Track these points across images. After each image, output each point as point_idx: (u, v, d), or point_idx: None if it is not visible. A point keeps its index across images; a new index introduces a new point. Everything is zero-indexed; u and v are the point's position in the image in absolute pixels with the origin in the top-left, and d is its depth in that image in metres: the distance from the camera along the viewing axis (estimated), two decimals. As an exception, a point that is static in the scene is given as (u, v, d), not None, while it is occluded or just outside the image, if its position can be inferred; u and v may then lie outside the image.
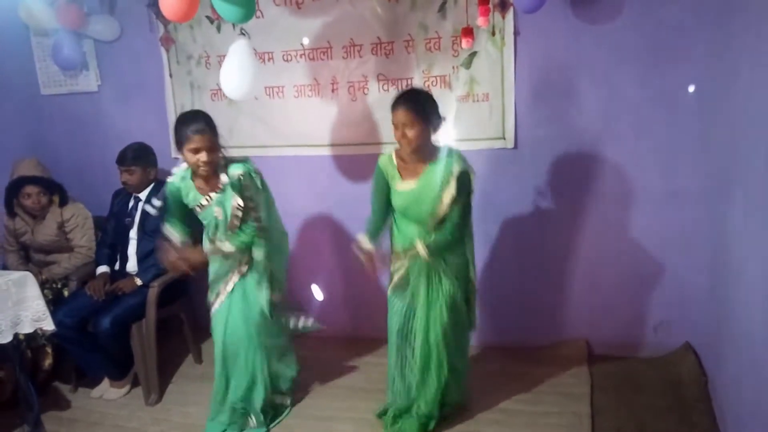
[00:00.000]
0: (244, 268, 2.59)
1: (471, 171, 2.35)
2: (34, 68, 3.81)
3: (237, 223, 2.54)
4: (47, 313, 2.62)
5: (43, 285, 3.03)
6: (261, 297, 2.61)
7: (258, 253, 2.59)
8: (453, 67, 3.04)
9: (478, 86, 3.02)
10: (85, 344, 2.98)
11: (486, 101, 3.03)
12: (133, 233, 3.17)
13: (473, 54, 2.98)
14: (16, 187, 3.19)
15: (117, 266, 3.20)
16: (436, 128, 2.35)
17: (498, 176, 3.11)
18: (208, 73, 3.42)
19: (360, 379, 3.09)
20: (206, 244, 2.61)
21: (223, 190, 2.52)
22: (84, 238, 3.30)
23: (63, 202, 3.28)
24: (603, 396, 2.76)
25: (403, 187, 2.39)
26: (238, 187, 2.50)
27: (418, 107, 2.27)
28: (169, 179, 2.62)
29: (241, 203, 2.51)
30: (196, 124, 2.43)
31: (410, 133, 2.26)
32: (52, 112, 3.87)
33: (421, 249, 2.34)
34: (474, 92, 3.03)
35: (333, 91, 3.26)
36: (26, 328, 2.57)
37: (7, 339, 2.49)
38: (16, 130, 3.79)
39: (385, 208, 2.50)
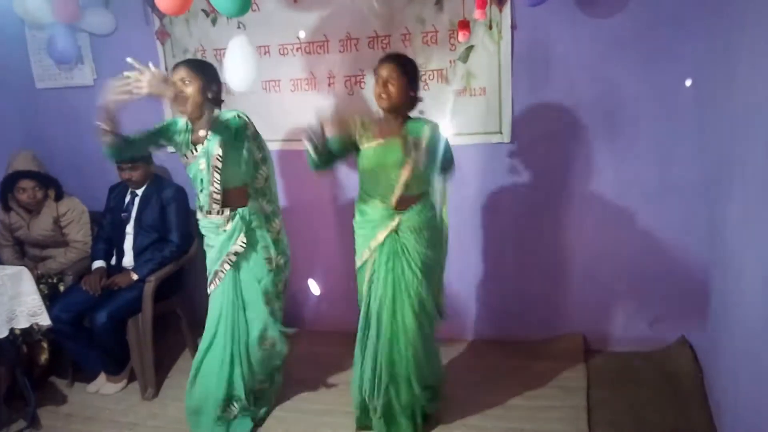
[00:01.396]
0: (238, 249, 2.51)
1: (440, 130, 2.27)
2: (29, 62, 3.79)
3: (218, 176, 2.44)
4: (43, 308, 2.62)
5: (38, 280, 3.02)
6: (260, 277, 2.58)
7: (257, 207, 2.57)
8: (450, 61, 3.02)
9: (475, 80, 3.01)
10: (81, 339, 2.98)
11: (483, 95, 3.02)
12: (129, 228, 3.17)
13: (470, 48, 2.97)
14: (11, 181, 3.18)
15: (113, 261, 3.20)
16: (415, 98, 2.35)
17: (495, 170, 3.11)
18: (204, 67, 3.40)
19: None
20: (198, 203, 2.59)
21: (209, 140, 2.45)
22: (80, 232, 3.29)
23: (58, 197, 3.27)
24: (599, 390, 2.77)
25: (370, 144, 2.34)
26: (228, 134, 2.36)
27: (404, 67, 2.29)
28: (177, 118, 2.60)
29: (221, 154, 2.42)
30: (186, 60, 2.48)
31: (392, 87, 2.25)
32: (47, 106, 3.85)
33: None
34: (471, 86, 3.02)
35: (329, 85, 3.25)
36: (22, 323, 2.57)
37: (2, 334, 2.49)
38: (10, 125, 3.77)
39: (339, 146, 2.33)
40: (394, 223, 2.33)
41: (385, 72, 2.27)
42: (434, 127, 2.27)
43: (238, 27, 2.80)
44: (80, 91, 3.73)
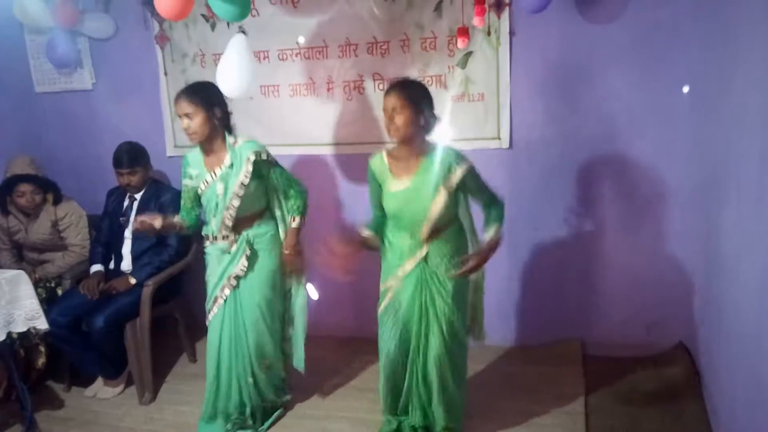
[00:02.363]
0: (239, 272, 2.54)
1: (474, 167, 2.22)
2: (29, 66, 3.80)
3: (237, 203, 2.45)
4: (41, 312, 2.61)
5: (36, 284, 3.02)
6: (259, 300, 2.59)
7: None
8: (448, 67, 3.04)
9: (474, 86, 3.02)
10: (78, 343, 2.97)
11: (481, 101, 3.03)
12: (127, 232, 3.16)
13: (469, 54, 2.98)
14: (9, 185, 3.18)
15: (111, 265, 3.19)
16: (428, 122, 2.21)
17: (493, 177, 3.08)
18: (203, 71, 3.40)
19: (356, 379, 3.09)
20: (206, 230, 2.59)
21: (229, 167, 2.46)
22: (78, 236, 3.29)
23: (57, 201, 3.26)
24: (597, 395, 2.77)
25: (396, 187, 2.25)
26: (252, 165, 2.43)
27: (409, 94, 2.15)
28: (188, 153, 2.62)
29: (245, 181, 2.44)
30: (183, 91, 2.43)
31: (398, 119, 2.13)
32: (46, 110, 3.86)
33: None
34: (469, 92, 3.03)
35: (328, 90, 3.26)
36: (19, 327, 2.57)
37: (0, 338, 2.48)
38: (9, 129, 3.77)
39: (382, 209, 2.36)
40: (422, 252, 2.26)
41: (389, 103, 2.15)
42: (471, 171, 2.20)
43: (241, 31, 2.78)
44: (79, 95, 3.74)
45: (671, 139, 2.86)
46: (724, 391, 2.31)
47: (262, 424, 2.72)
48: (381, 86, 3.15)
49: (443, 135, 2.99)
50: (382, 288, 2.39)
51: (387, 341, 2.39)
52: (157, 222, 2.55)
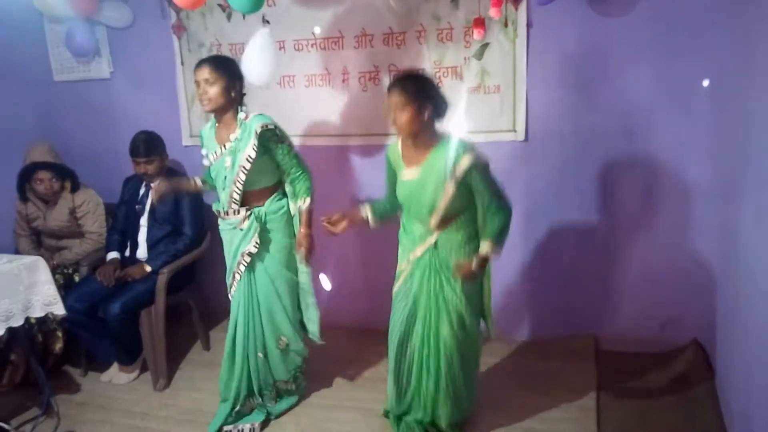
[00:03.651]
0: (252, 249, 2.52)
1: (483, 160, 2.17)
2: (47, 55, 3.83)
3: (243, 176, 2.46)
4: (58, 298, 2.65)
5: (54, 270, 3.07)
6: (274, 277, 2.60)
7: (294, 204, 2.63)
8: (465, 58, 3.02)
9: (490, 78, 3.00)
10: (94, 329, 3.02)
11: (497, 93, 3.01)
12: (143, 220, 3.20)
13: (485, 45, 2.96)
14: (28, 172, 3.22)
15: (127, 252, 3.23)
16: (437, 113, 2.18)
17: (508, 169, 3.08)
18: (220, 61, 3.42)
19: (367, 370, 3.10)
20: (216, 206, 2.61)
21: (239, 140, 2.46)
22: (95, 224, 3.33)
23: (75, 188, 3.31)
24: (609, 391, 2.76)
25: (406, 176, 2.26)
26: (259, 139, 2.43)
27: (412, 89, 2.11)
28: (202, 128, 2.65)
29: (252, 154, 2.43)
30: (200, 60, 2.45)
31: (401, 117, 2.11)
32: (64, 98, 3.89)
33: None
34: (485, 84, 3.01)
35: (344, 81, 3.25)
36: (37, 312, 2.60)
37: (18, 323, 2.52)
38: (29, 116, 3.82)
39: (394, 196, 2.38)
40: (432, 239, 2.27)
41: (392, 101, 2.13)
42: (477, 164, 2.13)
43: (265, 22, 2.80)
44: (97, 83, 3.77)
45: (690, 134, 2.82)
46: (738, 388, 2.28)
47: (274, 403, 2.74)
48: (396, 77, 3.13)
49: (459, 127, 3.00)
50: (397, 270, 2.43)
51: (396, 322, 2.42)
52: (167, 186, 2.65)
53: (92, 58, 3.72)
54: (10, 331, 2.54)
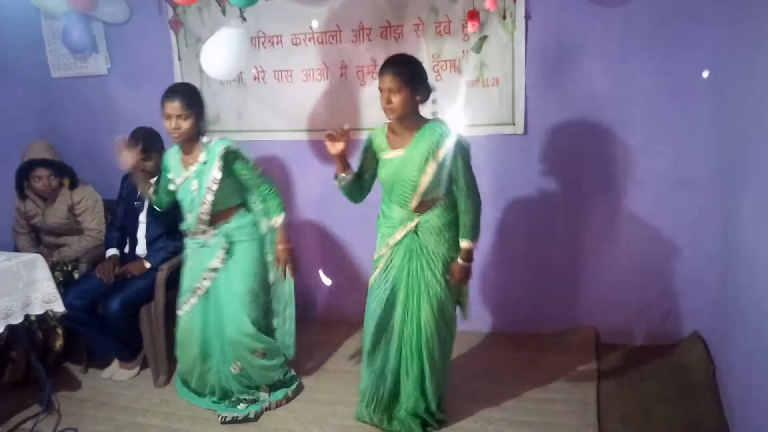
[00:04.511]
0: (218, 265, 2.63)
1: (466, 144, 2.26)
2: (45, 51, 3.82)
3: (210, 197, 2.56)
4: (57, 295, 2.65)
5: (53, 267, 3.07)
6: (239, 289, 2.66)
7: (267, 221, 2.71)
8: (463, 51, 3.00)
9: (488, 71, 2.98)
10: (95, 326, 3.02)
11: (496, 86, 2.99)
12: (142, 217, 3.19)
13: (483, 38, 2.94)
14: (26, 169, 3.21)
15: (126, 249, 3.22)
16: (424, 97, 2.26)
17: (507, 162, 3.09)
18: (217, 56, 3.40)
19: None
20: (184, 226, 2.70)
21: (204, 163, 2.57)
22: (94, 221, 3.32)
23: (73, 185, 3.30)
24: (610, 384, 2.76)
25: (389, 156, 2.31)
26: (223, 160, 2.54)
27: (406, 72, 2.18)
28: (167, 151, 2.74)
29: (218, 176, 2.54)
30: (171, 92, 2.54)
31: (395, 99, 2.17)
32: (62, 95, 3.89)
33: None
34: (484, 77, 3.00)
35: (341, 75, 3.24)
36: (37, 310, 2.61)
37: (18, 320, 2.52)
38: (26, 113, 3.81)
39: (368, 177, 2.45)
40: (412, 224, 2.32)
41: (386, 84, 2.18)
42: (460, 146, 2.22)
43: (242, 18, 2.81)
44: (94, 80, 3.76)
45: (690, 126, 2.80)
46: (739, 380, 2.28)
47: (267, 395, 2.80)
48: (394, 71, 3.12)
49: (457, 121, 2.99)
50: (375, 257, 2.46)
51: (373, 310, 2.45)
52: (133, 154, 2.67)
53: (89, 55, 3.71)
54: (10, 328, 2.54)
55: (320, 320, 3.63)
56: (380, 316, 2.43)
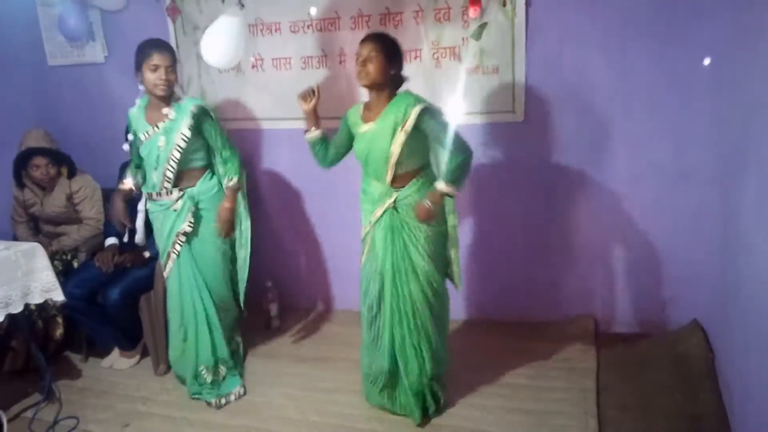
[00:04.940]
0: (187, 229, 2.66)
1: (435, 107, 2.32)
2: (41, 39, 3.79)
3: (177, 154, 2.59)
4: (57, 284, 2.65)
5: (53, 256, 3.06)
6: (211, 251, 2.77)
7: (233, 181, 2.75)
8: (463, 39, 2.98)
9: (488, 58, 2.96)
10: (94, 315, 3.02)
11: (496, 74, 2.97)
12: (141, 206, 3.17)
13: (483, 25, 2.92)
14: (24, 158, 3.20)
15: (125, 238, 3.21)
16: (397, 72, 2.35)
17: (507, 150, 3.08)
18: (215, 44, 3.38)
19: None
20: (147, 188, 2.73)
21: (172, 120, 2.59)
22: (93, 209, 3.32)
23: (71, 174, 3.28)
24: (609, 372, 2.76)
25: (363, 130, 2.39)
26: (192, 118, 2.59)
27: (384, 44, 2.30)
28: (130, 109, 2.73)
29: (187, 135, 2.58)
30: (157, 44, 2.59)
31: (371, 65, 2.27)
32: (59, 83, 3.86)
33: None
34: (484, 64, 2.97)
35: (340, 62, 3.21)
36: (36, 299, 2.61)
37: (17, 309, 2.52)
38: (24, 102, 3.79)
39: (338, 146, 2.58)
40: (391, 200, 2.36)
41: (364, 51, 2.29)
42: (427, 110, 2.27)
43: (240, 4, 2.79)
44: (92, 68, 3.73)
45: (691, 115, 2.78)
46: (738, 369, 2.28)
47: (235, 366, 2.89)
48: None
49: (457, 109, 2.98)
50: (362, 236, 2.51)
51: (365, 291, 2.51)
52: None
53: (86, 42, 3.68)
54: (10, 317, 2.55)
55: (318, 308, 3.63)
56: (373, 295, 2.46)
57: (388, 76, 2.32)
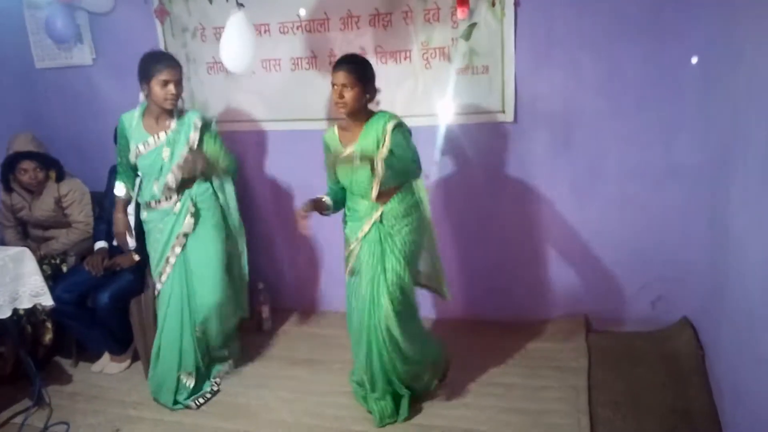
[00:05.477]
0: (187, 230, 2.69)
1: (405, 126, 2.39)
2: (28, 41, 3.76)
3: (179, 169, 2.63)
4: (45, 289, 2.63)
5: (41, 260, 3.04)
6: (210, 251, 2.78)
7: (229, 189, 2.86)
8: (452, 39, 2.98)
9: (478, 58, 2.97)
10: (84, 319, 3.00)
11: (485, 74, 2.98)
12: (130, 209, 3.14)
13: (473, 25, 2.92)
14: (12, 162, 3.17)
15: (115, 242, 3.19)
16: (372, 95, 2.40)
17: (497, 150, 3.09)
18: (204, 45, 3.37)
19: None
20: (144, 197, 2.74)
21: (176, 132, 2.64)
22: (81, 213, 3.29)
23: (60, 178, 3.26)
24: (600, 370, 2.77)
25: (345, 154, 2.41)
26: (198, 131, 2.65)
27: (358, 72, 2.33)
28: (123, 115, 2.73)
29: (194, 146, 2.64)
30: (167, 59, 2.63)
31: (348, 94, 2.31)
32: (46, 86, 3.83)
33: None
34: (473, 64, 2.98)
35: (330, 63, 3.19)
36: (25, 304, 2.58)
37: (6, 314, 2.50)
38: (10, 105, 3.76)
39: (336, 180, 2.54)
40: (377, 214, 2.41)
41: (338, 79, 2.32)
42: (400, 126, 2.34)
43: (238, 5, 2.76)
44: (80, 70, 3.70)
45: (679, 114, 2.80)
46: (728, 365, 2.30)
47: (208, 372, 2.89)
48: (383, 60, 3.10)
49: (447, 108, 2.99)
50: (345, 253, 2.54)
51: (352, 305, 2.54)
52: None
53: (74, 45, 3.65)
54: (-1, 323, 2.52)
55: (311, 311, 3.63)
56: (359, 309, 2.48)
57: (365, 101, 2.38)
